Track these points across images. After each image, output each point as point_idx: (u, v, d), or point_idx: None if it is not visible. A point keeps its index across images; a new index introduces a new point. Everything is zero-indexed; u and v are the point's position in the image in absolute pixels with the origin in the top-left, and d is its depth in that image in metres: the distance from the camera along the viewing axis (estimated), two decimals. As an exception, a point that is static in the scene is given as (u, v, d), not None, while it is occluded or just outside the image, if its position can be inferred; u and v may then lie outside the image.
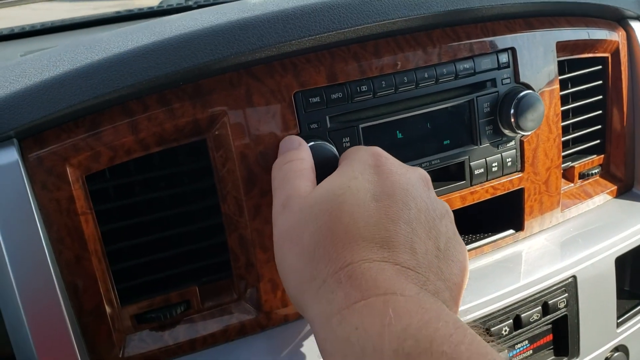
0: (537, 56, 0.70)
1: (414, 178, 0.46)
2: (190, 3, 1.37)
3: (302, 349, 0.59)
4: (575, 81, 0.80)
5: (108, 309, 0.55)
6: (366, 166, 0.46)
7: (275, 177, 0.51)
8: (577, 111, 0.81)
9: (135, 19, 1.32)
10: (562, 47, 0.74)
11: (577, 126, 0.82)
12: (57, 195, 0.52)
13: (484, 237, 0.72)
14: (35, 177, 0.51)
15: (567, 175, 0.81)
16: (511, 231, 0.74)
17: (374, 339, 0.33)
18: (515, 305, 0.68)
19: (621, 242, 0.75)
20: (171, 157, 0.58)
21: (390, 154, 0.64)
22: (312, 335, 0.60)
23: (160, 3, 1.47)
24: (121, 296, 0.57)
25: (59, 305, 0.51)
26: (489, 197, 0.69)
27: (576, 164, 0.81)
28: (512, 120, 0.66)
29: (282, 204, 0.47)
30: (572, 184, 0.81)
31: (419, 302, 0.35)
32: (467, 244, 0.71)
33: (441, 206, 0.47)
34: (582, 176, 0.82)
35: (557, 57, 0.73)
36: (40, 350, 0.50)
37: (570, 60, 0.79)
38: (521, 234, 0.74)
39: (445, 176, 0.67)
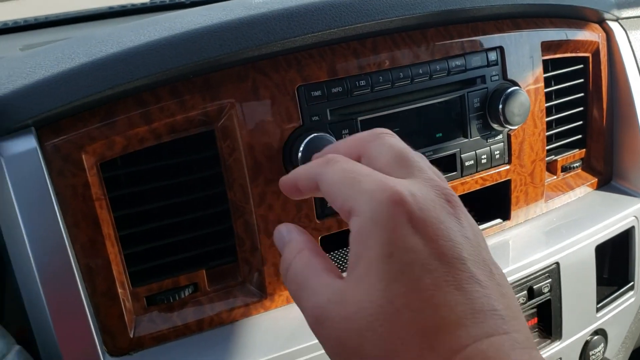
0: (523, 55, 0.74)
1: (443, 215, 0.35)
2: (183, 0, 1.39)
3: (304, 329, 0.62)
4: (558, 79, 0.85)
5: (120, 291, 0.58)
6: (397, 236, 0.34)
7: (287, 285, 0.40)
8: (559, 108, 0.86)
9: (128, 15, 1.34)
10: (547, 46, 0.78)
11: (559, 122, 0.87)
12: (73, 182, 0.54)
13: (473, 226, 0.76)
14: (52, 164, 0.54)
15: (551, 168, 0.86)
16: (498, 220, 0.78)
17: None
18: (503, 290, 0.71)
19: (601, 231, 0.80)
20: (180, 147, 0.61)
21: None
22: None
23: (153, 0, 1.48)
24: (132, 279, 0.59)
25: (76, 287, 0.53)
26: (478, 187, 0.74)
27: (559, 157, 0.86)
28: (501, 115, 0.71)
29: (316, 319, 0.37)
30: (555, 177, 0.86)
31: None
32: (457, 232, 0.75)
33: (476, 228, 0.37)
34: (565, 169, 0.87)
35: (542, 56, 0.77)
36: (60, 332, 0.53)
37: (554, 60, 0.83)
38: (508, 224, 0.79)
39: (437, 168, 0.71)
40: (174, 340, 0.60)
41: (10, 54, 0.89)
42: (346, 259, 0.71)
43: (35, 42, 1.11)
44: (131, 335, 0.59)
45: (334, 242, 0.72)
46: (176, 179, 0.60)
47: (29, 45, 1.02)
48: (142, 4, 1.39)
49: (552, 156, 0.86)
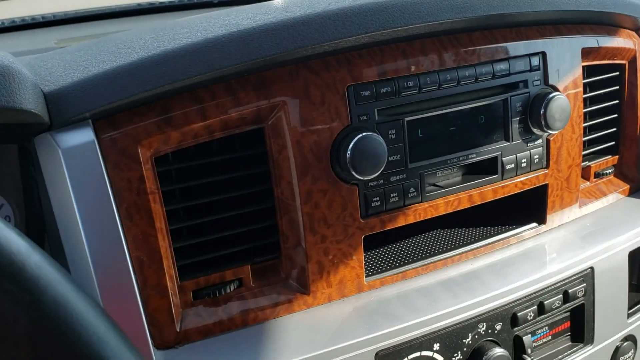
0: (564, 60, 0.75)
1: None
2: (211, -1, 1.40)
3: (345, 327, 0.62)
4: (594, 86, 0.85)
5: (169, 284, 0.58)
6: None
7: None
8: (594, 114, 0.86)
9: (156, 12, 1.35)
10: (586, 52, 0.79)
11: (593, 128, 0.87)
12: (128, 175, 0.55)
13: (510, 230, 0.77)
14: (108, 157, 0.54)
15: (584, 173, 0.86)
16: (534, 224, 0.78)
17: None
18: (539, 293, 0.72)
19: (634, 238, 0.80)
20: (229, 143, 0.61)
21: (431, 146, 0.68)
22: (353, 312, 0.64)
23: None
24: (179, 273, 0.60)
25: (130, 279, 0.54)
26: (517, 191, 0.74)
27: (592, 163, 0.86)
28: (542, 119, 0.71)
29: None
30: (588, 182, 0.86)
31: None
32: (494, 235, 0.76)
33: None
34: (597, 175, 0.87)
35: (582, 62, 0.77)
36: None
37: (589, 66, 0.83)
38: (543, 227, 0.79)
39: (479, 170, 0.72)
40: (219, 334, 0.61)
41: (47, 48, 0.90)
42: (386, 259, 0.72)
43: (67, 36, 1.12)
44: (178, 329, 0.59)
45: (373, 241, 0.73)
46: (225, 175, 0.61)
47: (64, 40, 1.03)
48: (170, 2, 1.40)
49: (586, 162, 0.86)
